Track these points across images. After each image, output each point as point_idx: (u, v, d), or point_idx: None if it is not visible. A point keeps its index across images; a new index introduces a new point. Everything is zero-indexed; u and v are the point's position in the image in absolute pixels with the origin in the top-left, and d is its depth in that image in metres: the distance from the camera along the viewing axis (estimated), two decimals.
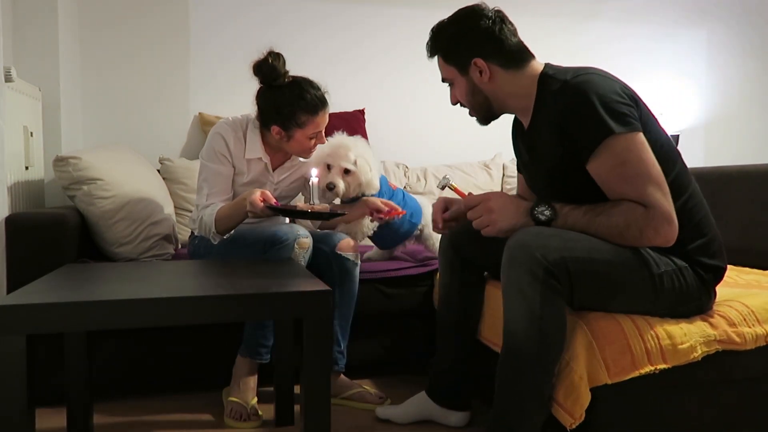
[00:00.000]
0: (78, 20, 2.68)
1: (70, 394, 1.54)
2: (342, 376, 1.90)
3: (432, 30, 1.48)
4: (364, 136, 2.94)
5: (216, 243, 1.83)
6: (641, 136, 1.26)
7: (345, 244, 1.87)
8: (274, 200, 1.69)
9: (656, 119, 1.38)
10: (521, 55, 1.42)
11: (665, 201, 1.24)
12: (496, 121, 1.53)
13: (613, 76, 1.34)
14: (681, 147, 3.35)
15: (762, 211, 2.05)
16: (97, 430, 1.67)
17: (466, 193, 1.45)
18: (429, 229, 2.14)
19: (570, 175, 1.33)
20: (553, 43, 3.23)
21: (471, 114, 1.51)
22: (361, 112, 2.97)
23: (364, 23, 3.05)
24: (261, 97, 1.84)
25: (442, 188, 1.56)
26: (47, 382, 1.79)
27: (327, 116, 1.85)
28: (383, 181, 2.11)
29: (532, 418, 1.26)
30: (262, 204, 1.66)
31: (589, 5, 3.34)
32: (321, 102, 1.81)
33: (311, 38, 2.97)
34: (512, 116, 1.57)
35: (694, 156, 3.55)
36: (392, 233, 2.10)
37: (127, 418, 1.76)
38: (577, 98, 1.27)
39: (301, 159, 2.00)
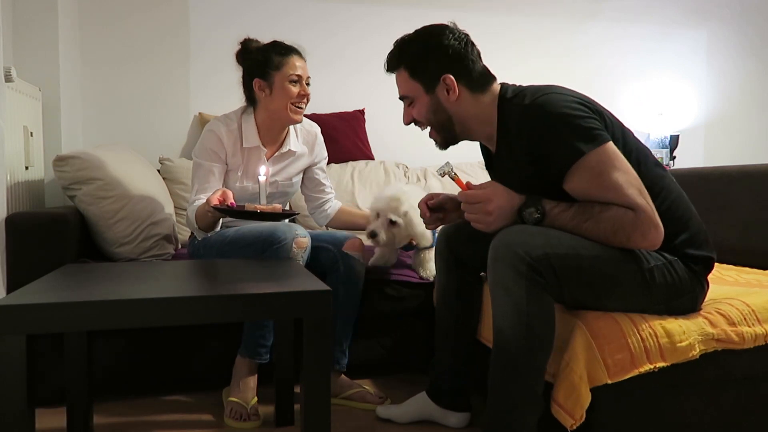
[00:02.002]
0: (78, 20, 2.68)
1: (70, 394, 1.54)
2: (342, 375, 1.90)
3: (396, 43, 1.44)
4: (364, 136, 2.95)
5: (200, 239, 1.86)
6: (611, 145, 1.26)
7: (351, 243, 1.88)
8: (231, 201, 1.67)
9: (621, 122, 1.37)
10: (486, 78, 1.42)
11: (650, 206, 1.25)
12: (448, 148, 1.50)
13: (569, 90, 1.33)
14: (681, 147, 3.36)
15: (762, 211, 2.05)
16: (97, 430, 1.67)
17: (465, 183, 1.40)
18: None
19: (545, 190, 1.32)
20: (553, 43, 3.23)
21: (430, 135, 1.48)
22: (361, 112, 2.97)
23: (363, 23, 3.05)
24: (243, 74, 1.91)
25: (442, 175, 1.47)
26: (47, 382, 1.79)
27: (305, 65, 1.90)
28: None
29: (527, 416, 1.26)
30: (213, 204, 1.62)
31: (589, 5, 3.34)
32: (292, 46, 1.89)
33: (311, 38, 2.94)
34: None
35: (694, 156, 3.55)
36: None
37: (127, 418, 1.76)
38: (539, 123, 1.27)
39: (294, 134, 2.00)
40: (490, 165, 1.59)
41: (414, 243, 1.95)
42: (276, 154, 1.98)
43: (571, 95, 1.31)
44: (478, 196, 1.33)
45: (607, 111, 1.36)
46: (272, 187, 2.00)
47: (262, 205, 1.65)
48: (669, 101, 3.44)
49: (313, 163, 2.10)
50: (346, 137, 2.86)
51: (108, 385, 1.88)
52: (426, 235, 1.92)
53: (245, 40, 1.92)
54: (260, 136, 1.92)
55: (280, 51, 1.87)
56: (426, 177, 2.88)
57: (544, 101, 1.29)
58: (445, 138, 1.47)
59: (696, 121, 3.56)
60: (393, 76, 1.48)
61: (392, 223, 1.86)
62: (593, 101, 1.34)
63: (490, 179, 1.38)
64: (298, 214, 1.84)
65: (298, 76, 1.87)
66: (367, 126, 2.97)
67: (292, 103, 1.88)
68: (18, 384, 1.03)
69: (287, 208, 1.74)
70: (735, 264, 2.01)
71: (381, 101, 3.05)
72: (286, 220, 1.81)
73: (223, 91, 2.84)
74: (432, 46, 1.39)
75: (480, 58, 1.43)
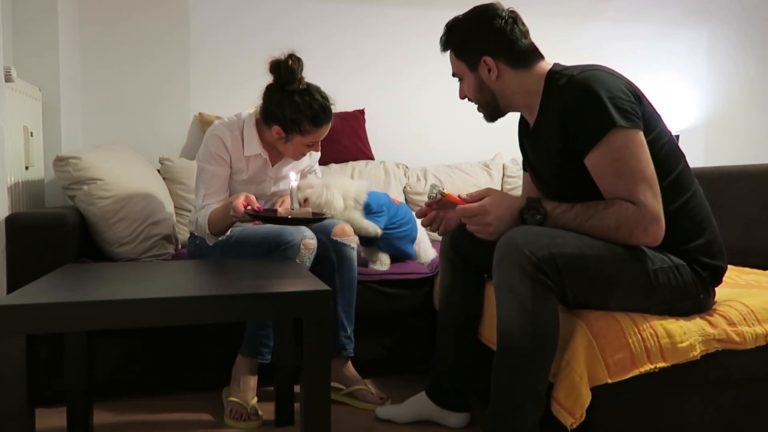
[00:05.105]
0: (78, 20, 2.68)
1: (70, 394, 1.54)
2: (350, 365, 1.91)
3: (446, 25, 1.50)
4: (364, 136, 2.95)
5: (211, 244, 1.85)
6: (641, 135, 1.28)
7: (340, 229, 1.87)
8: (257, 205, 1.69)
9: (660, 117, 1.39)
10: (530, 55, 1.44)
11: (655, 201, 1.25)
12: (496, 121, 1.53)
13: (618, 74, 1.35)
14: (681, 147, 3.34)
15: (762, 211, 2.05)
16: (97, 430, 1.67)
17: (458, 196, 1.42)
18: (420, 245, 2.18)
19: (576, 167, 1.33)
20: (553, 43, 3.20)
21: (479, 110, 1.53)
22: (361, 112, 2.97)
23: (364, 23, 3.05)
24: (270, 95, 1.84)
25: (434, 201, 1.49)
26: (47, 382, 1.79)
27: (329, 128, 1.88)
28: (383, 196, 2.13)
29: (529, 416, 1.26)
30: (243, 209, 1.66)
31: (589, 5, 3.34)
32: (327, 115, 1.83)
33: (311, 38, 2.97)
34: (515, 115, 1.57)
35: (694, 156, 3.55)
36: (399, 244, 2.12)
37: (127, 418, 1.76)
38: (583, 92, 1.28)
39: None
40: (523, 139, 1.59)
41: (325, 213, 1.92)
42: (281, 161, 1.99)
43: (618, 77, 1.33)
44: (474, 210, 1.33)
45: (649, 102, 1.37)
46: (275, 187, 2.01)
47: (296, 210, 1.69)
48: (669, 101, 3.44)
49: (310, 164, 2.13)
50: (346, 137, 2.86)
51: (108, 385, 1.88)
52: (330, 204, 1.93)
53: (291, 62, 1.78)
54: (262, 144, 1.92)
55: (314, 119, 1.80)
56: (426, 177, 2.88)
57: (592, 75, 1.30)
58: (491, 113, 1.51)
59: (696, 121, 3.56)
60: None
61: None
62: (638, 89, 1.35)
63: (486, 187, 1.39)
64: (328, 217, 1.83)
65: (316, 142, 1.87)
66: (367, 126, 2.97)
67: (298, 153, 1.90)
68: (18, 384, 1.03)
69: (297, 204, 1.76)
70: (735, 264, 2.01)
71: (381, 101, 3.06)
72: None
73: (223, 91, 2.85)
74: (474, 28, 1.45)
75: (526, 35, 1.45)
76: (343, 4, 3.01)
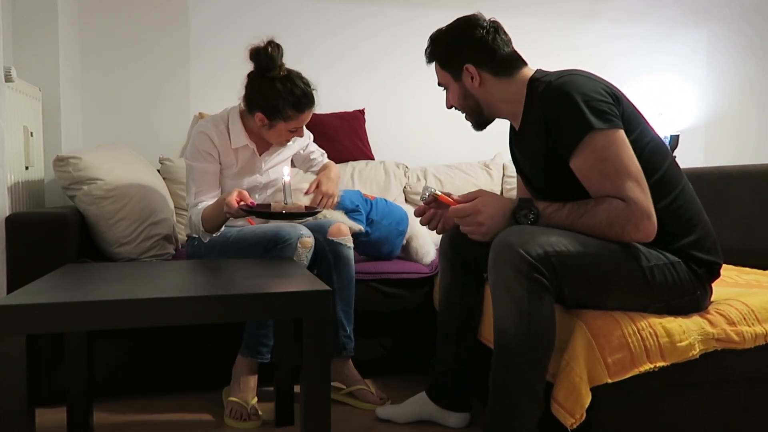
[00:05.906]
0: (78, 20, 2.68)
1: (70, 394, 1.54)
2: (351, 364, 1.91)
3: (430, 37, 1.54)
4: (364, 136, 2.95)
5: (206, 241, 1.85)
6: (621, 133, 1.29)
7: (336, 229, 1.88)
8: (251, 200, 1.70)
9: (643, 117, 1.40)
10: (512, 63, 1.47)
11: (644, 197, 1.26)
12: (496, 121, 1.55)
13: (596, 76, 1.37)
14: (681, 147, 3.36)
15: (762, 211, 2.05)
16: (97, 430, 1.67)
17: (450, 197, 1.43)
18: (416, 240, 2.18)
19: (560, 171, 1.35)
20: (553, 43, 3.23)
21: (466, 118, 1.57)
22: (361, 112, 2.97)
23: (364, 23, 3.05)
24: (251, 83, 1.85)
25: (428, 203, 1.50)
26: (47, 382, 1.79)
27: (311, 113, 1.88)
28: (356, 194, 2.13)
29: (527, 416, 1.26)
30: (236, 205, 1.66)
31: (588, 5, 3.34)
32: (309, 100, 1.83)
33: (311, 38, 2.97)
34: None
35: (694, 156, 3.55)
36: (379, 243, 2.12)
37: (127, 418, 1.76)
38: (560, 97, 1.31)
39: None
40: (512, 145, 1.62)
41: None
42: (269, 149, 1.99)
43: (595, 79, 1.35)
44: (466, 210, 1.34)
45: (630, 102, 1.38)
46: (265, 177, 2.02)
47: (289, 205, 1.69)
48: (669, 101, 3.44)
49: (301, 146, 2.13)
50: (346, 137, 2.87)
51: (108, 385, 1.88)
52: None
53: (270, 50, 1.78)
54: (248, 135, 1.93)
55: (296, 105, 1.80)
56: (426, 177, 2.88)
57: (568, 80, 1.32)
58: (477, 121, 1.55)
59: (696, 121, 3.56)
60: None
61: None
62: (617, 90, 1.36)
63: (479, 190, 1.40)
64: (320, 210, 1.83)
65: (299, 127, 1.87)
66: (367, 126, 2.97)
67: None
68: (18, 384, 1.03)
69: (290, 199, 1.76)
70: (735, 264, 2.02)
71: (381, 101, 3.06)
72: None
73: (223, 91, 2.84)
74: (456, 39, 1.49)
75: (508, 43, 1.48)
76: (343, 4, 3.01)
